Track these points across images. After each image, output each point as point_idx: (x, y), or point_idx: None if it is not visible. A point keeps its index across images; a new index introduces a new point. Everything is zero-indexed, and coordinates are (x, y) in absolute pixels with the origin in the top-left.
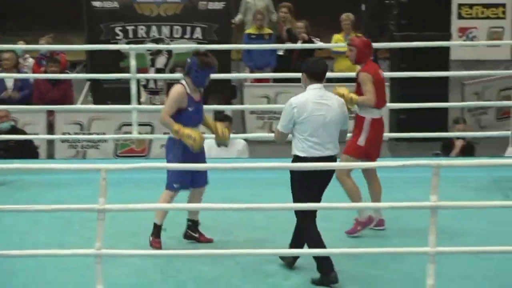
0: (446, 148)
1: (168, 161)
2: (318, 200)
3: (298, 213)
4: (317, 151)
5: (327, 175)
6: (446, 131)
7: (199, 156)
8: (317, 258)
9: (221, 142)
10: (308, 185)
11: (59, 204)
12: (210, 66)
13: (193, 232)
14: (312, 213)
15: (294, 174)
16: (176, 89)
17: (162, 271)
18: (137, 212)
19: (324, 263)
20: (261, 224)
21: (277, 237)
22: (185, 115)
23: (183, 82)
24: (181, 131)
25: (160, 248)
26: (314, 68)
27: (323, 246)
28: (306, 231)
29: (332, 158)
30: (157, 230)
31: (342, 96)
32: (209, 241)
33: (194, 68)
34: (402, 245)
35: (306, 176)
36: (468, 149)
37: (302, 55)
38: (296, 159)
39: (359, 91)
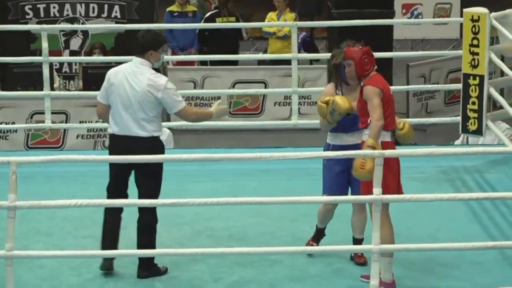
0: None
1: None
2: None
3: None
4: None
5: None
6: None
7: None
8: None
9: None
10: None
11: None
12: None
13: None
14: None
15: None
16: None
17: (80, 273)
18: (51, 210)
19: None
20: (187, 221)
21: (203, 235)
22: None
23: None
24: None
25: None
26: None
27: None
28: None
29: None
30: (317, 233)
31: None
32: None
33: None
34: (347, 242)
35: None
36: None
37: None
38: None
39: (364, 111)
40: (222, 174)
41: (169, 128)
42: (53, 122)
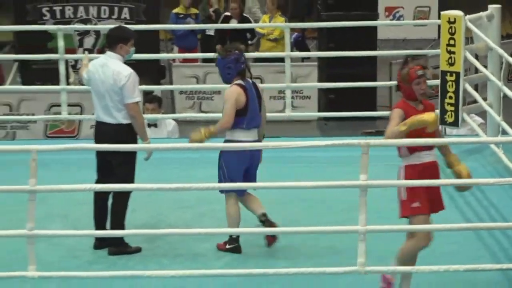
0: None
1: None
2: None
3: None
4: None
5: None
6: (375, 110)
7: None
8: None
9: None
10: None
11: None
12: None
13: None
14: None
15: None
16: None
17: (94, 251)
18: (68, 193)
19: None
20: (191, 204)
21: (206, 217)
22: None
23: None
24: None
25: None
26: None
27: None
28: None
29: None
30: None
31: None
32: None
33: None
34: (333, 224)
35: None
36: None
37: (234, 35)
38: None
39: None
40: None
41: (175, 119)
42: (69, 113)
